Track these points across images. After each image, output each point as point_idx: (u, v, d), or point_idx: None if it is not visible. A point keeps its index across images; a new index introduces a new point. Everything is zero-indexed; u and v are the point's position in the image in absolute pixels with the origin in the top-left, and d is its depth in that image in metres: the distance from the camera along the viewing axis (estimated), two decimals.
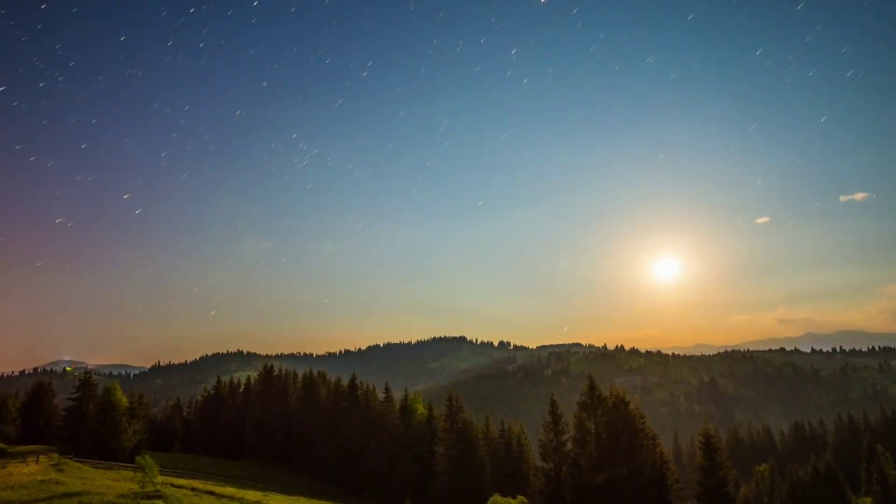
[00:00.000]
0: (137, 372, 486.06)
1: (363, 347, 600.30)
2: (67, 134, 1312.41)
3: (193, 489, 39.74)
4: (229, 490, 42.89)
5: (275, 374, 77.37)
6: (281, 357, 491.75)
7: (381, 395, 71.34)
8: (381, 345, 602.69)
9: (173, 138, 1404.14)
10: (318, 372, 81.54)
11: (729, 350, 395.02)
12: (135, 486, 36.26)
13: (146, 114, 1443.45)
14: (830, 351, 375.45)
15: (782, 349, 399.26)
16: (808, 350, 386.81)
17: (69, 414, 59.88)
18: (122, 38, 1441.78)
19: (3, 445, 52.42)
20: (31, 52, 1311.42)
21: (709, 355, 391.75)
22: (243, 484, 49.50)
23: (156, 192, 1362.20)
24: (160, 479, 38.88)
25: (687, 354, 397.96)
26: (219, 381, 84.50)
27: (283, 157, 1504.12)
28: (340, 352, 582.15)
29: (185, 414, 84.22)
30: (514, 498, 40.50)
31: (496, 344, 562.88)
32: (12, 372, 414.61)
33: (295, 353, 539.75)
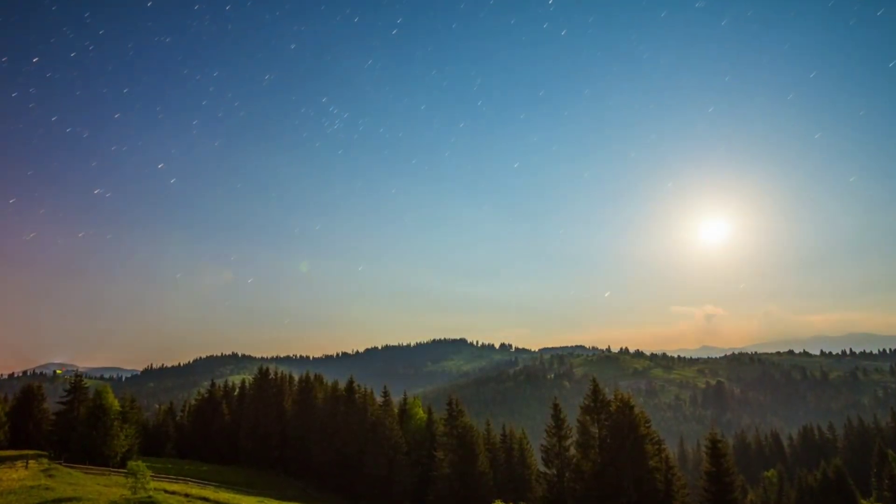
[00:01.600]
0: (129, 375, 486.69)
1: (361, 350, 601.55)
2: (100, 104, 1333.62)
3: (187, 495, 39.77)
4: (224, 496, 42.92)
5: (270, 377, 77.32)
6: (277, 360, 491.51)
7: (379, 399, 71.30)
8: (380, 347, 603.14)
9: (203, 105, 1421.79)
10: (315, 375, 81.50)
11: (736, 352, 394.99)
12: (127, 492, 36.28)
13: (176, 81, 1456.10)
14: (840, 354, 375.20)
15: (790, 352, 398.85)
16: (818, 353, 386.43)
17: (59, 418, 59.82)
18: (148, 4, 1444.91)
19: None
20: (61, 21, 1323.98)
21: (715, 358, 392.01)
22: (238, 490, 49.51)
23: (189, 161, 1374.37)
24: (152, 484, 38.91)
25: (693, 357, 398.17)
26: (213, 385, 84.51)
27: (314, 122, 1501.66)
28: (337, 354, 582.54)
29: (178, 418, 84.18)
30: None
31: (497, 346, 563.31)
32: (1, 375, 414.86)
33: (291, 355, 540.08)
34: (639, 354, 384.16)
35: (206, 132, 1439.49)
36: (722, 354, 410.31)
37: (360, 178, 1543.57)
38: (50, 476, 40.09)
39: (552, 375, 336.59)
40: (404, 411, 71.46)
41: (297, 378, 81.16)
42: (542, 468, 54.63)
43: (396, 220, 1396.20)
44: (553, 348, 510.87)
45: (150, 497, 35.74)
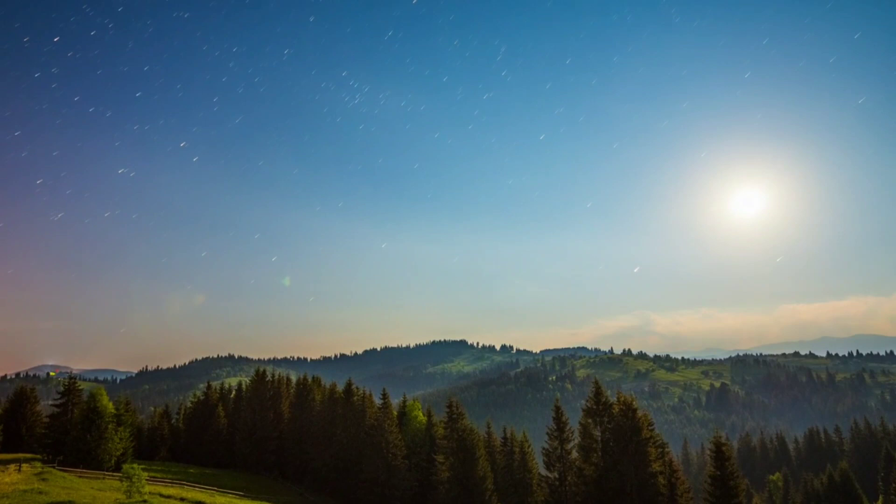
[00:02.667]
0: (124, 377, 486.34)
1: (359, 351, 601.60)
2: (121, 83, 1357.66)
3: (182, 499, 39.83)
4: (219, 500, 42.97)
5: (267, 379, 77.30)
6: (274, 361, 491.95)
7: (377, 402, 71.30)
8: (378, 349, 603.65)
9: (223, 82, 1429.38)
10: (313, 377, 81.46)
11: (741, 354, 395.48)
12: (121, 496, 36.34)
13: (195, 58, 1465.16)
14: (846, 355, 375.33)
15: (796, 353, 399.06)
16: (824, 354, 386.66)
17: (53, 421, 59.81)
18: None
19: None
20: None
21: (720, 359, 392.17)
22: (234, 494, 49.52)
23: (210, 139, 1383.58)
24: (147, 488, 38.94)
25: (697, 358, 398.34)
26: (209, 387, 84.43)
27: (334, 96, 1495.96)
28: (336, 356, 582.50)
29: (173, 421, 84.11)
30: None
31: (498, 348, 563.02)
32: None
33: (288, 357, 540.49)
34: (642, 356, 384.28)
35: (227, 109, 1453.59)
36: (726, 356, 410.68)
37: (380, 154, 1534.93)
38: (43, 480, 40.10)
39: (554, 377, 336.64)
40: (403, 414, 71.41)
41: (294, 380, 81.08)
42: (544, 472, 54.65)
43: (419, 195, 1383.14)
44: (555, 350, 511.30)
45: (144, 501, 35.79)
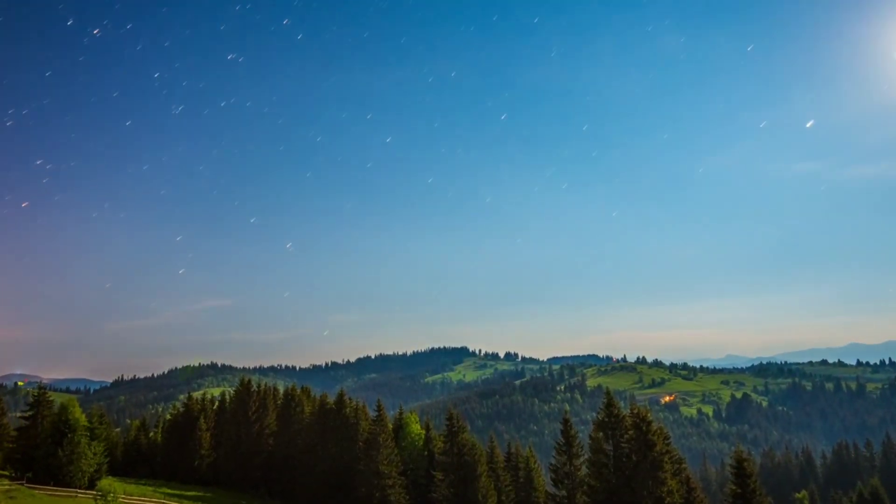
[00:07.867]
0: (98, 387, 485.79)
1: (352, 359, 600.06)
2: None
3: None
4: None
5: (252, 389, 77.37)
6: (259, 370, 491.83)
7: (372, 414, 71.34)
8: (373, 356, 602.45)
9: None
10: (302, 387, 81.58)
11: (764, 362, 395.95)
12: None
13: None
14: (878, 363, 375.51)
15: (823, 361, 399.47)
16: (853, 362, 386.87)
17: (21, 434, 59.84)
18: None
19: None
20: None
21: (741, 367, 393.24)
22: None
23: (313, 15, 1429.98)
24: None
25: (717, 367, 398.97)
26: (190, 398, 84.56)
27: None
28: (326, 364, 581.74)
29: (151, 435, 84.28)
30: None
31: (502, 355, 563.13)
32: None
33: (275, 365, 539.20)
34: (657, 364, 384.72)
35: None
36: (748, 364, 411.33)
37: (495, 12, 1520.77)
38: (11, 498, 40.14)
39: (562, 387, 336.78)
40: (400, 427, 71.45)
41: (281, 390, 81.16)
42: (551, 489, 54.65)
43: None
44: (563, 357, 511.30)
45: None
